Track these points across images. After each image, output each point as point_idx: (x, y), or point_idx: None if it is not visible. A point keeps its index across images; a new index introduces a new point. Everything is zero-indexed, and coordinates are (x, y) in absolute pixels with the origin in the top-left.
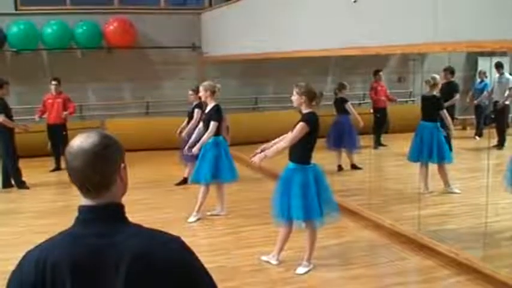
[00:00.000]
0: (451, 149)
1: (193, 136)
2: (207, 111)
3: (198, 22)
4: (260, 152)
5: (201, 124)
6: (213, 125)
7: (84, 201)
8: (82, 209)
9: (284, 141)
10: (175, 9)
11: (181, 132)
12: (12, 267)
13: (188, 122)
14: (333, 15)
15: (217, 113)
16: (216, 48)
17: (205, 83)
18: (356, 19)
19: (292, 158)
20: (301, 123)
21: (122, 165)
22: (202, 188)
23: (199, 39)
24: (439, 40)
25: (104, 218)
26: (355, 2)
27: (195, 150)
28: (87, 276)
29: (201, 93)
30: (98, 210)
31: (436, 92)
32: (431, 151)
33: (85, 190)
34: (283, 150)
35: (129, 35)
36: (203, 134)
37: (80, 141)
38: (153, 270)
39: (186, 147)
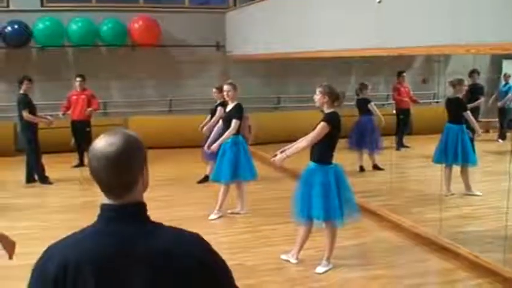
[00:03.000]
0: (474, 152)
1: (213, 134)
2: (228, 109)
3: (223, 21)
4: (281, 153)
5: (220, 122)
6: (235, 122)
7: (107, 200)
8: (104, 208)
9: (305, 140)
10: (199, 8)
11: (203, 126)
12: (34, 261)
13: (211, 119)
14: (357, 15)
15: (239, 112)
16: (239, 47)
17: (231, 81)
18: (380, 20)
19: (313, 157)
20: (322, 123)
21: (145, 166)
22: (222, 187)
23: (224, 38)
24: (463, 42)
25: (126, 216)
26: (379, 2)
27: (214, 147)
28: (109, 274)
29: (230, 92)
30: (121, 209)
31: (460, 94)
32: (456, 153)
33: (107, 190)
34: (303, 150)
35: (153, 33)
36: (223, 133)
37: (104, 142)
38: (175, 268)
39: (206, 145)
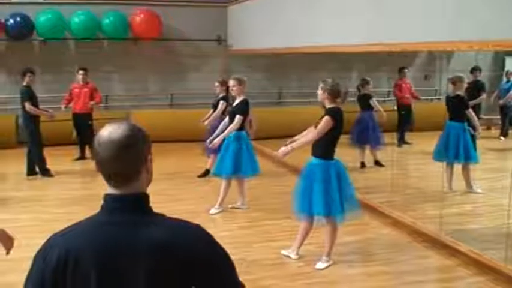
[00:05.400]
0: (475, 149)
1: (218, 129)
2: (234, 104)
3: (224, 15)
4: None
5: (227, 118)
6: (238, 118)
7: (110, 190)
8: (108, 198)
9: (311, 134)
10: (201, 2)
11: (205, 120)
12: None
13: (213, 113)
14: (359, 11)
15: (244, 107)
16: (241, 42)
17: (239, 76)
18: (381, 15)
19: (315, 153)
20: (326, 117)
21: (149, 157)
22: (223, 182)
23: (225, 32)
24: (465, 38)
25: (129, 207)
26: None
27: (216, 141)
28: (111, 264)
29: (235, 86)
30: (124, 199)
31: (460, 92)
32: (457, 151)
33: (112, 180)
34: (309, 144)
35: (155, 27)
36: (227, 127)
37: (109, 132)
38: (177, 259)
39: (209, 140)
